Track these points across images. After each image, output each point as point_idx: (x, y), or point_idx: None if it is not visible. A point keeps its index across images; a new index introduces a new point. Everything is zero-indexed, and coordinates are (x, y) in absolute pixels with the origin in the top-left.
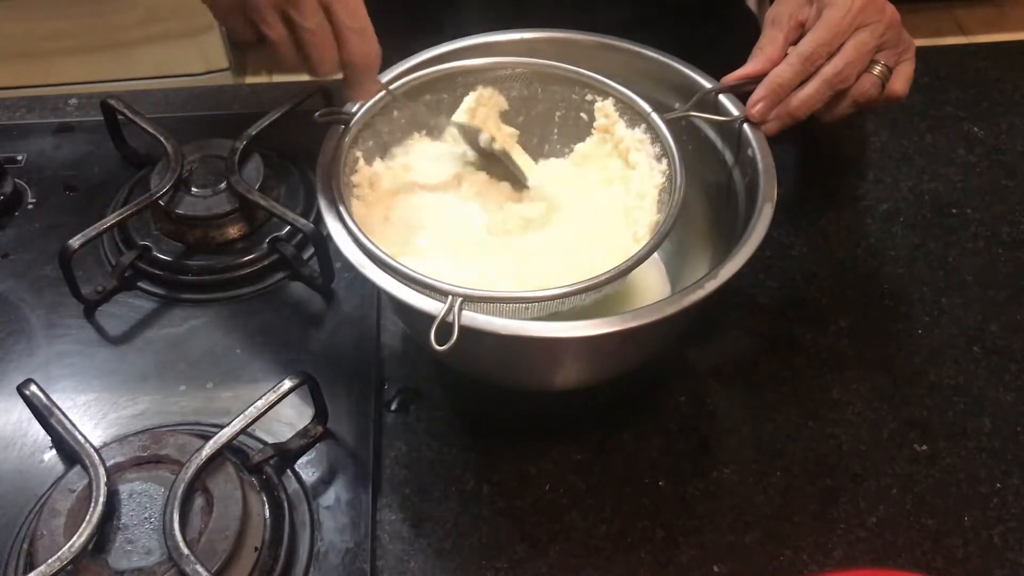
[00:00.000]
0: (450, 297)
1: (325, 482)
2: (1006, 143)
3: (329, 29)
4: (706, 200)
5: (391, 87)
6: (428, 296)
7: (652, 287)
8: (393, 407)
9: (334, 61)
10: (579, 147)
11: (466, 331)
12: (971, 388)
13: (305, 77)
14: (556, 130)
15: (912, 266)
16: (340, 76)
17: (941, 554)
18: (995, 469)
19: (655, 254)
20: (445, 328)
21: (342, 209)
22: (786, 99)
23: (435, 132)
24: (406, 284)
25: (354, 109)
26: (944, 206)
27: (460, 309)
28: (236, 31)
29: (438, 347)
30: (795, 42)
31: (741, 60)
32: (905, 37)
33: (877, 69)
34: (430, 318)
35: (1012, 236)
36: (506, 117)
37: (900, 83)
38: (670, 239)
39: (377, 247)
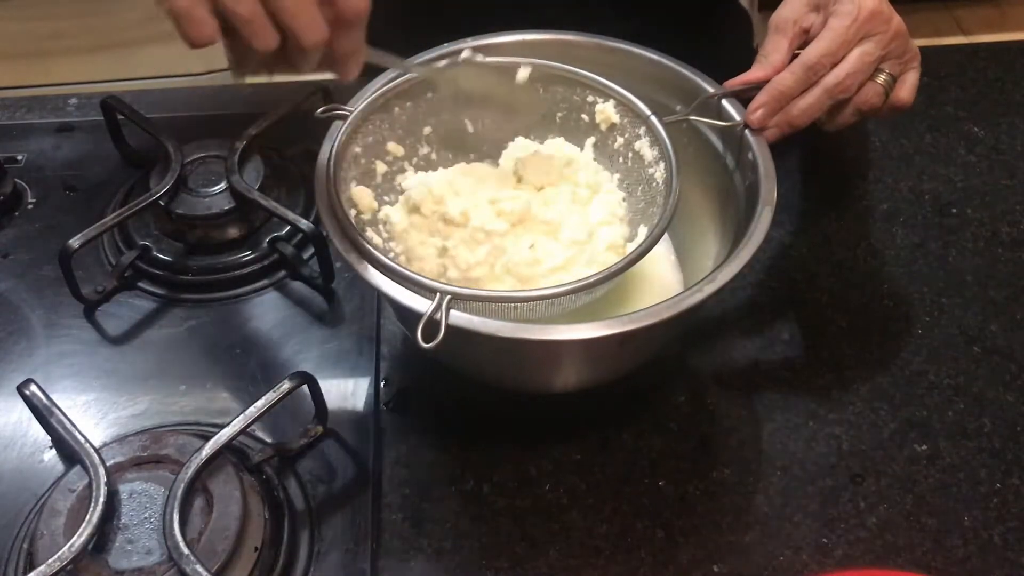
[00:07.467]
0: (438, 295)
1: (325, 482)
2: (1006, 143)
3: None
4: (710, 201)
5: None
6: (419, 294)
7: (664, 283)
8: (393, 407)
9: (323, 24)
10: (584, 148)
11: (453, 330)
12: (971, 388)
13: (305, 77)
14: (557, 132)
15: (912, 266)
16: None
17: (941, 554)
18: (995, 469)
19: (670, 252)
20: (432, 326)
21: (337, 206)
22: (787, 107)
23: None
24: (397, 281)
25: (355, 106)
26: (944, 206)
27: (448, 307)
28: (186, 19)
29: (424, 344)
30: (800, 47)
31: (735, 59)
32: (911, 46)
33: (881, 78)
34: (418, 316)
35: (1012, 236)
36: (507, 118)
37: (906, 91)
38: (678, 238)
39: (370, 244)
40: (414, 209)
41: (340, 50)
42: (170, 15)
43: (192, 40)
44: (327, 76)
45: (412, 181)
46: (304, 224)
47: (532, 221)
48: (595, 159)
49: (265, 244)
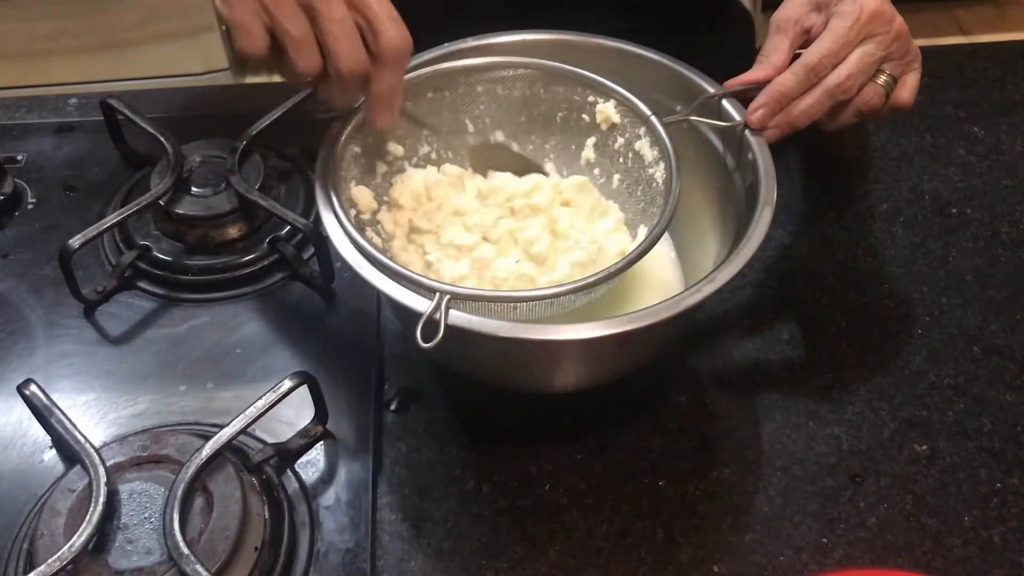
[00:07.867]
0: (437, 295)
1: (325, 482)
2: (1006, 143)
3: (354, 22)
4: (710, 201)
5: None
6: (418, 294)
7: (664, 282)
8: (393, 407)
9: (363, 54)
10: (585, 149)
11: (452, 330)
12: (971, 388)
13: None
14: (558, 132)
15: (912, 266)
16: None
17: (941, 554)
18: (995, 469)
19: (671, 251)
20: (432, 325)
21: (337, 206)
22: (787, 108)
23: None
24: (397, 281)
25: (355, 105)
26: (944, 206)
27: (447, 307)
28: (243, 31)
29: (424, 344)
30: (802, 47)
31: (736, 59)
32: (912, 47)
33: (882, 79)
34: (418, 315)
35: (1012, 236)
36: (509, 118)
37: (906, 93)
38: (678, 238)
39: (370, 244)
40: (395, 205)
41: (377, 88)
42: (229, 24)
43: (244, 50)
44: None
45: (397, 179)
46: (304, 224)
47: (519, 243)
48: (595, 159)
49: (265, 244)
